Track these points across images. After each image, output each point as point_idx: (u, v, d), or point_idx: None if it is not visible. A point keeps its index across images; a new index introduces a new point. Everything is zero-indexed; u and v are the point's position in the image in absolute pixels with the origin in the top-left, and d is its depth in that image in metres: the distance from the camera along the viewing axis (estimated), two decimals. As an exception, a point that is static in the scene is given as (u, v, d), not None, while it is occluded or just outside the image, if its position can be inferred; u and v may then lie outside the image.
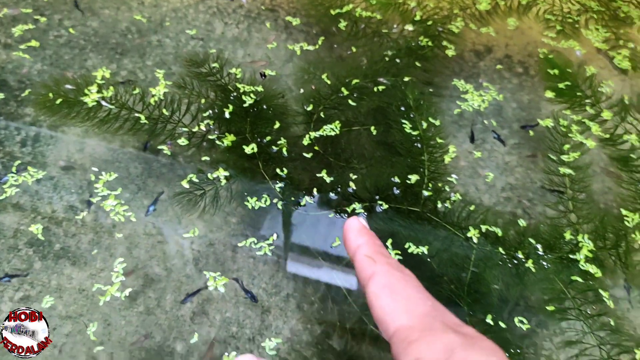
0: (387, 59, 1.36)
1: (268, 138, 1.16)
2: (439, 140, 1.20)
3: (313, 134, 1.17)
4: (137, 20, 1.39)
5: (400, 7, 1.54)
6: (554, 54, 1.43)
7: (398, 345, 0.24)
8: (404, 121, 1.21)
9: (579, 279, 0.99)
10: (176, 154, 1.13)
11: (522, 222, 1.08)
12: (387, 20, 1.48)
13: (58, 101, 1.18)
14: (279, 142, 1.14)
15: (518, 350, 0.91)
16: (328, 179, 1.11)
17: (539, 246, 1.03)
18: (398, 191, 1.09)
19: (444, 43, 1.43)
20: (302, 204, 1.06)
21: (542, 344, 0.94)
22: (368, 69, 1.33)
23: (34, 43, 1.30)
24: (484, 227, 1.05)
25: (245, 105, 1.21)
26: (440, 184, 1.12)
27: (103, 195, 1.06)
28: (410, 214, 1.06)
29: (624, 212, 1.10)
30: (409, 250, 1.01)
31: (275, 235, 1.02)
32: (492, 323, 0.93)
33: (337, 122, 1.20)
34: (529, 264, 1.00)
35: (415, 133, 1.19)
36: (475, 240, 1.03)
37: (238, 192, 1.09)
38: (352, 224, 0.32)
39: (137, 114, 1.19)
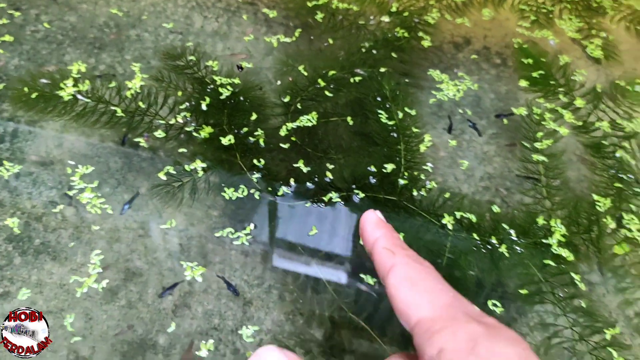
0: (363, 50, 1.37)
1: (245, 129, 1.16)
2: (415, 130, 1.21)
3: (290, 125, 1.18)
4: (115, 14, 1.39)
5: (378, -1, 1.55)
6: (528, 43, 1.45)
7: (421, 336, 0.25)
8: (380, 111, 1.22)
9: (552, 263, 1.01)
10: (156, 148, 1.13)
11: (496, 208, 1.10)
12: (364, 12, 1.49)
13: (33, 95, 1.18)
14: (256, 134, 1.15)
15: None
16: (305, 169, 1.12)
17: (512, 232, 1.05)
18: (375, 180, 1.10)
19: (420, 34, 1.44)
20: (279, 194, 1.07)
21: (516, 327, 0.96)
22: (345, 61, 1.34)
23: (8, 38, 1.29)
24: (458, 214, 1.07)
25: (222, 97, 1.22)
26: (416, 173, 1.13)
27: (82, 190, 1.06)
28: (387, 203, 1.08)
29: (595, 197, 1.13)
30: (385, 238, 1.02)
31: (252, 226, 1.03)
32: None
33: (314, 113, 1.21)
34: (503, 249, 1.02)
35: (391, 123, 1.20)
36: (450, 227, 1.05)
37: (216, 184, 1.09)
38: (370, 216, 0.32)
39: (113, 107, 1.19)
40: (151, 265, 0.99)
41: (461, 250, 1.02)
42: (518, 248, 1.03)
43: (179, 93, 1.23)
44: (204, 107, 1.20)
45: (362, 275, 0.99)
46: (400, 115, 1.23)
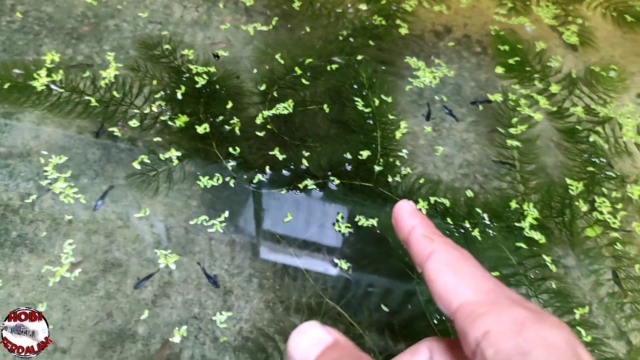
0: (341, 38, 1.37)
1: (221, 118, 1.17)
2: (392, 117, 1.22)
3: (266, 113, 1.18)
4: (93, 4, 1.38)
5: (356, -13, 1.55)
6: (505, 31, 1.46)
7: (464, 320, 0.24)
8: (356, 99, 1.23)
9: (524, 246, 1.03)
10: (131, 137, 1.13)
11: (469, 193, 1.11)
12: (342, 0, 1.49)
13: (6, 86, 1.17)
14: (232, 122, 1.15)
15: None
16: (281, 157, 1.12)
17: (485, 216, 1.06)
18: (350, 167, 1.11)
19: (398, 22, 1.44)
20: (254, 181, 1.07)
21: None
22: (322, 49, 1.34)
23: (-18, 29, 1.28)
24: (432, 199, 1.08)
25: (197, 86, 1.22)
26: (391, 159, 1.14)
27: (60, 182, 1.05)
28: (363, 189, 1.08)
29: (568, 181, 1.15)
30: (359, 223, 1.04)
31: (226, 213, 1.04)
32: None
33: (290, 100, 1.21)
34: (475, 232, 1.03)
35: (367, 110, 1.21)
36: (424, 212, 1.06)
37: (191, 172, 1.09)
38: (404, 206, 0.32)
39: (87, 97, 1.18)
40: (130, 256, 0.99)
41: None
42: (491, 232, 1.05)
43: (154, 82, 1.22)
44: (179, 96, 1.20)
45: (336, 261, 1.00)
46: (377, 102, 1.24)
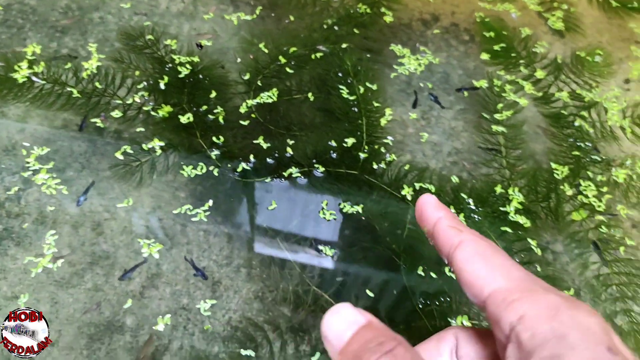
0: (325, 26, 1.37)
1: (204, 107, 1.16)
2: (377, 104, 1.22)
3: (250, 102, 1.18)
4: (75, -4, 1.37)
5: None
6: (491, 17, 1.46)
7: (497, 306, 0.25)
8: (341, 87, 1.23)
9: (509, 230, 1.03)
10: (113, 129, 1.12)
11: (454, 179, 1.11)
12: (327, -11, 1.49)
13: (-13, 79, 1.16)
14: (215, 111, 1.15)
15: (448, 299, 0.95)
16: (265, 145, 1.12)
17: (470, 201, 1.07)
18: (335, 155, 1.11)
19: (383, 10, 1.44)
20: (238, 170, 1.07)
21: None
22: (307, 38, 1.34)
23: (-38, 22, 1.27)
24: (417, 185, 1.08)
25: (181, 76, 1.21)
26: (376, 146, 1.14)
27: (42, 174, 1.05)
28: (348, 177, 1.08)
29: (553, 165, 1.15)
30: (344, 211, 1.04)
31: (210, 202, 1.04)
32: (422, 274, 0.97)
33: (275, 89, 1.21)
34: (461, 218, 1.03)
35: (352, 98, 1.21)
36: (409, 197, 1.06)
37: (175, 162, 1.09)
38: (429, 199, 0.32)
39: (69, 89, 1.17)
40: (117, 248, 0.99)
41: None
42: (476, 217, 1.05)
43: (137, 73, 1.22)
44: (162, 86, 1.19)
45: (321, 248, 1.00)
46: (362, 90, 1.23)
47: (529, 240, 1.03)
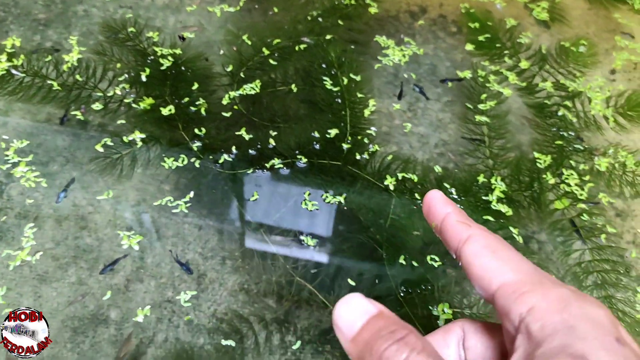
0: (310, 18, 1.37)
1: (187, 99, 1.16)
2: (360, 96, 1.22)
3: (233, 94, 1.17)
4: (58, -11, 1.36)
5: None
6: (476, 8, 1.46)
7: (507, 297, 0.26)
8: (325, 78, 1.22)
9: (491, 219, 1.04)
10: (94, 121, 1.12)
11: (437, 169, 1.12)
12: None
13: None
14: (197, 103, 1.15)
15: (429, 287, 0.95)
16: (247, 137, 1.12)
17: (453, 190, 1.07)
18: (319, 146, 1.11)
19: (368, 1, 1.44)
20: (220, 161, 1.07)
21: (456, 282, 0.99)
22: (291, 29, 1.33)
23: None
24: (400, 175, 1.08)
25: (162, 68, 1.21)
26: (360, 137, 1.14)
27: (25, 168, 1.04)
28: (331, 168, 1.08)
29: (536, 154, 1.15)
30: (327, 201, 1.04)
31: (192, 194, 1.04)
32: (404, 263, 0.97)
33: (258, 81, 1.21)
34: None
35: (336, 89, 1.21)
36: (392, 187, 1.06)
37: (157, 154, 1.09)
38: (436, 194, 0.33)
39: (50, 82, 1.16)
40: (102, 242, 0.99)
41: (403, 210, 1.04)
42: (459, 205, 1.05)
43: (118, 65, 1.21)
44: (143, 78, 1.19)
45: (304, 238, 1.00)
46: (345, 81, 1.23)
47: (511, 228, 1.04)
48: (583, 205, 1.09)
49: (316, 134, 1.13)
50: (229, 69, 1.23)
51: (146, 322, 0.90)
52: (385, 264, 0.97)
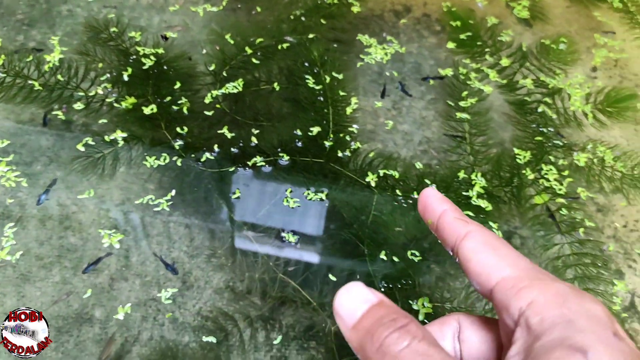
0: (292, 17, 1.37)
1: (169, 98, 1.16)
2: (342, 94, 1.23)
3: (215, 92, 1.18)
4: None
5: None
6: (458, 7, 1.48)
7: (506, 292, 0.26)
8: (307, 77, 1.23)
9: (471, 214, 1.05)
10: (80, 122, 1.12)
11: (418, 165, 1.13)
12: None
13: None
14: (179, 102, 1.15)
15: (410, 282, 0.97)
16: (229, 135, 1.12)
17: (434, 186, 1.08)
18: (301, 144, 1.12)
19: (350, 0, 1.45)
20: (202, 160, 1.07)
21: (438, 276, 1.00)
22: (274, 28, 1.34)
23: None
24: (382, 172, 1.09)
25: (145, 67, 1.21)
26: (342, 135, 1.15)
27: (7, 169, 1.04)
28: (314, 165, 1.09)
29: (516, 150, 1.17)
30: (308, 198, 1.05)
31: (173, 192, 1.04)
32: (385, 258, 0.98)
33: (240, 80, 1.21)
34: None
35: (318, 87, 1.22)
36: (373, 184, 1.07)
37: (139, 153, 1.09)
38: (432, 192, 0.34)
39: (31, 82, 1.16)
40: (86, 241, 0.99)
41: (385, 207, 1.05)
42: (440, 202, 1.06)
43: (100, 65, 1.22)
44: (125, 77, 1.19)
45: (285, 235, 1.01)
46: (328, 79, 1.24)
47: (491, 223, 1.05)
48: (562, 200, 1.10)
49: (299, 132, 1.14)
50: (212, 68, 1.23)
51: (131, 320, 0.91)
52: (367, 259, 0.98)
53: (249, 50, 1.28)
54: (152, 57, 1.23)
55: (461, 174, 1.11)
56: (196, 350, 0.88)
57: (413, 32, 1.43)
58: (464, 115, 1.22)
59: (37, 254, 0.96)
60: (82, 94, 1.16)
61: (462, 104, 1.24)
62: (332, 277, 0.97)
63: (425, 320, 0.93)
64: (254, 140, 1.12)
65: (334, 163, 1.10)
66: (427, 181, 1.09)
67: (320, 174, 1.08)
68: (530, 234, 1.07)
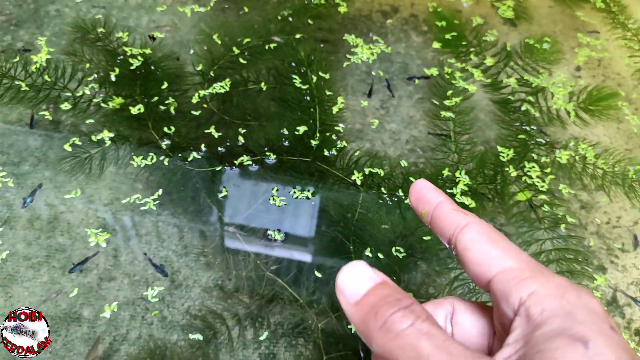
0: (280, 18, 1.38)
1: (156, 98, 1.17)
2: (328, 93, 1.24)
3: (203, 92, 1.19)
4: (29, -10, 1.36)
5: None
6: (444, 7, 1.49)
7: (507, 282, 0.27)
8: (294, 76, 1.25)
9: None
10: (67, 122, 1.13)
11: (403, 163, 1.14)
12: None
13: None
14: (167, 102, 1.16)
15: (394, 278, 0.98)
16: (217, 134, 1.13)
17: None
18: (288, 143, 1.13)
19: (337, 1, 1.46)
20: (189, 159, 1.08)
21: (423, 271, 1.01)
22: (261, 29, 1.35)
23: None
24: (367, 170, 1.11)
25: (132, 67, 1.22)
26: (328, 134, 1.17)
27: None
28: (301, 164, 1.11)
29: (499, 148, 1.19)
30: (294, 196, 1.06)
31: (160, 191, 1.05)
32: (370, 255, 1.00)
33: (227, 79, 1.22)
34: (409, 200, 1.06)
35: (305, 87, 1.23)
36: (359, 182, 1.09)
37: (126, 153, 1.10)
38: (425, 183, 0.34)
39: (18, 82, 1.17)
40: (74, 241, 0.99)
41: (371, 204, 1.06)
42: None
43: (87, 65, 1.22)
44: (113, 78, 1.20)
45: (271, 233, 1.02)
46: (314, 79, 1.25)
47: (475, 220, 1.06)
48: (544, 197, 1.12)
49: (285, 131, 1.15)
50: (200, 68, 1.24)
51: (119, 319, 0.91)
52: (353, 257, 0.99)
53: (236, 50, 1.29)
54: (139, 58, 1.23)
55: (445, 172, 1.12)
56: (185, 348, 0.89)
57: (400, 33, 1.44)
58: (449, 114, 1.24)
59: (25, 254, 0.96)
60: (69, 94, 1.17)
61: (447, 102, 1.26)
62: (318, 274, 0.98)
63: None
64: (241, 139, 1.13)
65: (321, 162, 1.11)
66: (412, 179, 1.11)
67: (307, 172, 1.09)
68: (514, 231, 1.09)
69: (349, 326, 0.93)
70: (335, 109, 1.21)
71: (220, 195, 1.05)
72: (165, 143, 1.11)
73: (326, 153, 1.13)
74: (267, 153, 1.10)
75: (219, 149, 1.12)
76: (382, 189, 1.08)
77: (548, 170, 1.16)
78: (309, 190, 1.06)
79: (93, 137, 1.10)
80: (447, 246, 0.31)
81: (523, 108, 1.26)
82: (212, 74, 1.24)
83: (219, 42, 1.31)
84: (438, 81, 1.31)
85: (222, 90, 1.20)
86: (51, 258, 0.97)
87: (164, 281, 0.96)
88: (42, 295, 0.93)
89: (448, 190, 1.10)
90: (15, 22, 1.29)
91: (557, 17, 1.54)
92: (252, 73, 1.26)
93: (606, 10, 1.56)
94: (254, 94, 1.22)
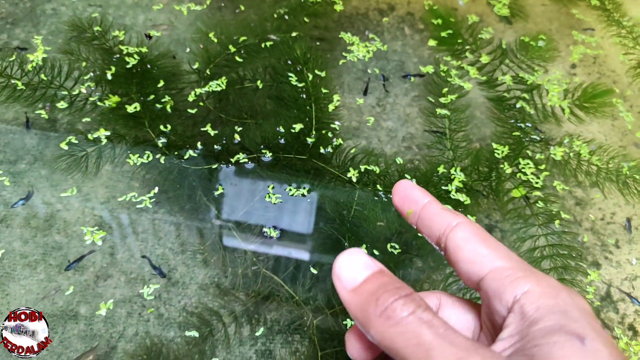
0: (276, 16, 1.39)
1: (152, 97, 1.17)
2: (324, 91, 1.25)
3: (199, 90, 1.19)
4: (25, -12, 1.36)
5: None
6: (439, 5, 1.50)
7: (500, 281, 0.27)
8: (290, 74, 1.25)
9: (450, 207, 1.07)
10: (63, 121, 1.13)
11: (399, 160, 1.15)
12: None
13: None
14: (163, 100, 1.16)
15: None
16: (213, 133, 1.14)
17: (414, 181, 1.10)
18: (284, 141, 1.13)
19: (334, -1, 1.47)
20: (185, 157, 1.08)
21: (420, 269, 1.02)
22: (258, 27, 1.36)
23: None
24: (363, 167, 1.11)
25: (128, 66, 1.22)
26: (324, 132, 1.17)
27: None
28: (297, 162, 1.11)
29: (494, 145, 1.19)
30: (290, 194, 1.06)
31: (156, 189, 1.05)
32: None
33: (224, 78, 1.22)
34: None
35: (301, 85, 1.23)
36: (354, 179, 1.09)
37: (123, 151, 1.10)
38: (408, 183, 0.34)
39: (14, 81, 1.17)
40: (71, 239, 1.00)
41: (366, 201, 1.07)
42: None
43: (84, 64, 1.22)
44: (109, 76, 1.20)
45: (267, 230, 1.02)
46: (310, 77, 1.26)
47: (469, 216, 1.07)
48: (539, 193, 1.13)
49: (282, 129, 1.15)
50: (196, 66, 1.24)
51: (116, 316, 0.91)
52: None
53: (232, 49, 1.29)
54: (135, 56, 1.23)
55: (441, 169, 1.13)
56: (181, 345, 0.89)
57: (397, 31, 1.44)
58: (444, 112, 1.25)
59: (21, 252, 0.96)
60: (65, 93, 1.17)
61: (442, 100, 1.27)
62: (314, 271, 0.99)
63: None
64: (237, 137, 1.14)
65: (317, 159, 1.12)
66: (407, 176, 1.11)
67: (303, 170, 1.10)
68: (509, 227, 1.10)
69: (344, 322, 0.94)
70: (331, 107, 1.22)
71: (216, 193, 1.06)
72: (161, 141, 1.11)
73: (322, 151, 1.13)
74: (263, 151, 1.10)
75: (215, 147, 1.12)
76: (378, 186, 1.09)
77: (543, 167, 1.17)
78: (304, 188, 1.07)
79: (89, 136, 1.10)
80: (435, 245, 0.32)
81: (518, 105, 1.27)
82: (208, 72, 1.24)
83: (215, 40, 1.31)
84: (434, 79, 1.32)
85: (219, 89, 1.21)
86: (47, 256, 0.97)
87: (160, 279, 0.97)
88: (39, 293, 0.93)
89: (443, 187, 1.10)
90: (12, 21, 1.29)
91: (552, 14, 1.55)
92: (248, 71, 1.26)
93: (601, 8, 1.57)
94: (250, 92, 1.22)
